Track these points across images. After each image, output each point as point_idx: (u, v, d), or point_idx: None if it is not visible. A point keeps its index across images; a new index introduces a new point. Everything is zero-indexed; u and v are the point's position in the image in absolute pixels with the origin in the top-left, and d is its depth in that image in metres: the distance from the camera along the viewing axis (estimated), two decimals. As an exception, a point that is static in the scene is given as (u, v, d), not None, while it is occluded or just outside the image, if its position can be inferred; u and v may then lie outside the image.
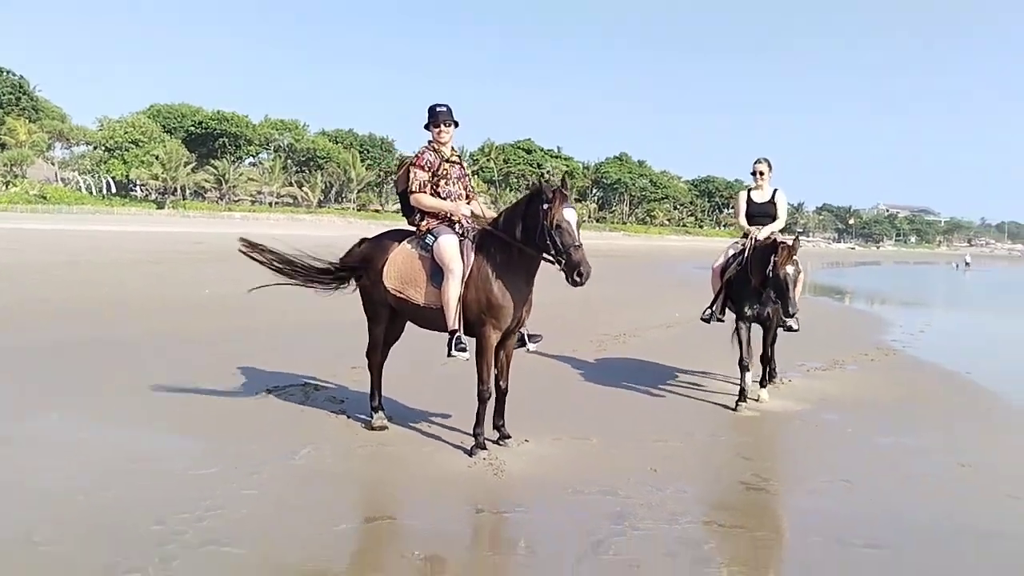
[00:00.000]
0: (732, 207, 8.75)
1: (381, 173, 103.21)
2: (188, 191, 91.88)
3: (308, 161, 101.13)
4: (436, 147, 6.47)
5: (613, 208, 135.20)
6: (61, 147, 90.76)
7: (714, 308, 8.66)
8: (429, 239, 6.28)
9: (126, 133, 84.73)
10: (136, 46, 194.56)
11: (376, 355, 6.87)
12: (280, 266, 6.87)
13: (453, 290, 6.01)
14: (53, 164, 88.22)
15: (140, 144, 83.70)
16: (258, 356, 9.63)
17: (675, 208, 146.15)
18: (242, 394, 7.81)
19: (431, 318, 6.26)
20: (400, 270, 6.34)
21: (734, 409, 8.14)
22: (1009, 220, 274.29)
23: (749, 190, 8.82)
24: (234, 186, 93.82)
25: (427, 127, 6.48)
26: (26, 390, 7.61)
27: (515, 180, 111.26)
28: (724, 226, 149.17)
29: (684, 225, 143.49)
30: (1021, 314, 26.54)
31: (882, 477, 6.10)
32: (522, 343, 6.47)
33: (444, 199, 6.41)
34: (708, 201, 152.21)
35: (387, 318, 6.72)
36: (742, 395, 8.23)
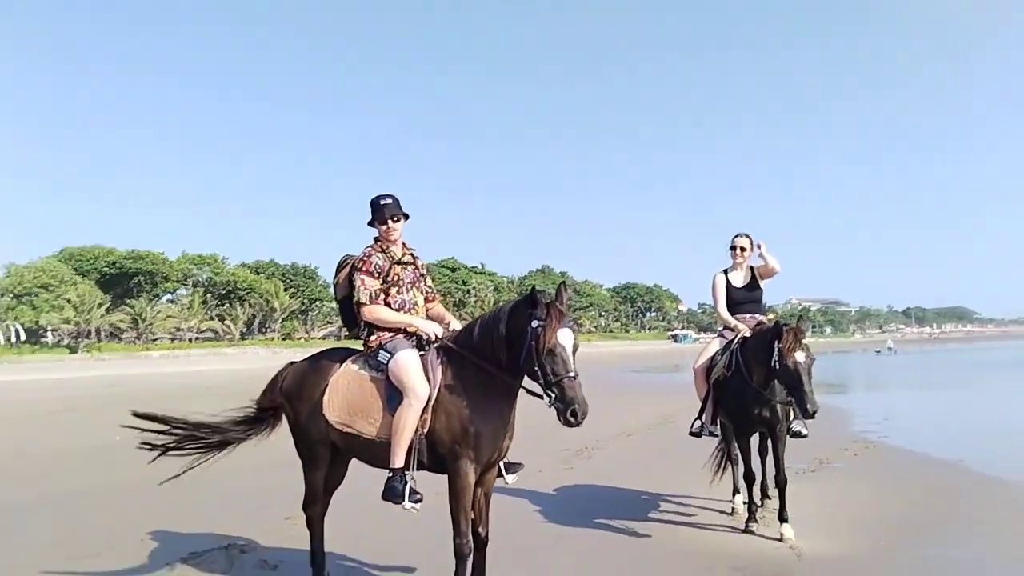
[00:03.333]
0: (711, 294, 7.59)
1: (306, 301, 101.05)
2: (103, 333, 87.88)
3: (229, 294, 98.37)
4: (385, 247, 5.33)
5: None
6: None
7: (703, 419, 7.38)
8: (383, 356, 5.07)
9: (35, 278, 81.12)
10: (46, 186, 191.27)
11: (316, 507, 5.50)
12: (185, 431, 5.78)
13: (411, 419, 4.78)
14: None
15: (51, 288, 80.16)
16: (173, 512, 8.09)
17: (600, 315, 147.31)
18: (151, 568, 6.29)
19: (387, 455, 4.96)
20: (345, 398, 5.10)
21: (744, 529, 7.01)
22: (914, 305, 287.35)
23: (726, 272, 7.68)
24: (151, 324, 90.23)
25: (372, 223, 5.35)
26: None
27: (443, 298, 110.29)
28: (648, 329, 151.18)
29: (610, 331, 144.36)
30: (967, 390, 26.49)
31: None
32: (497, 474, 5.27)
33: (398, 310, 5.25)
34: (631, 306, 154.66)
35: (328, 460, 5.41)
36: (752, 514, 7.11)
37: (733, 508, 7.75)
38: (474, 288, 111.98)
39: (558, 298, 4.68)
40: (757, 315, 7.42)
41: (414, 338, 5.13)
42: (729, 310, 7.48)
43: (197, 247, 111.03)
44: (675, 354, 78.70)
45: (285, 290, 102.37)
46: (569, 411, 4.48)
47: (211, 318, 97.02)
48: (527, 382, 4.84)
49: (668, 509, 8.13)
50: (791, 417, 6.98)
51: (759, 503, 7.56)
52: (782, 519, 6.80)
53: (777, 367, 6.41)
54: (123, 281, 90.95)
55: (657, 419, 16.72)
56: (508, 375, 4.81)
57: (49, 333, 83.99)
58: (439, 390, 4.86)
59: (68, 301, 78.75)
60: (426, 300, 5.57)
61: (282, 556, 6.44)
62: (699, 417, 7.42)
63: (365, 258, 5.27)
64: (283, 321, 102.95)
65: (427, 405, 4.82)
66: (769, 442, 7.23)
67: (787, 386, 6.46)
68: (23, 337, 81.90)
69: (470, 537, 4.86)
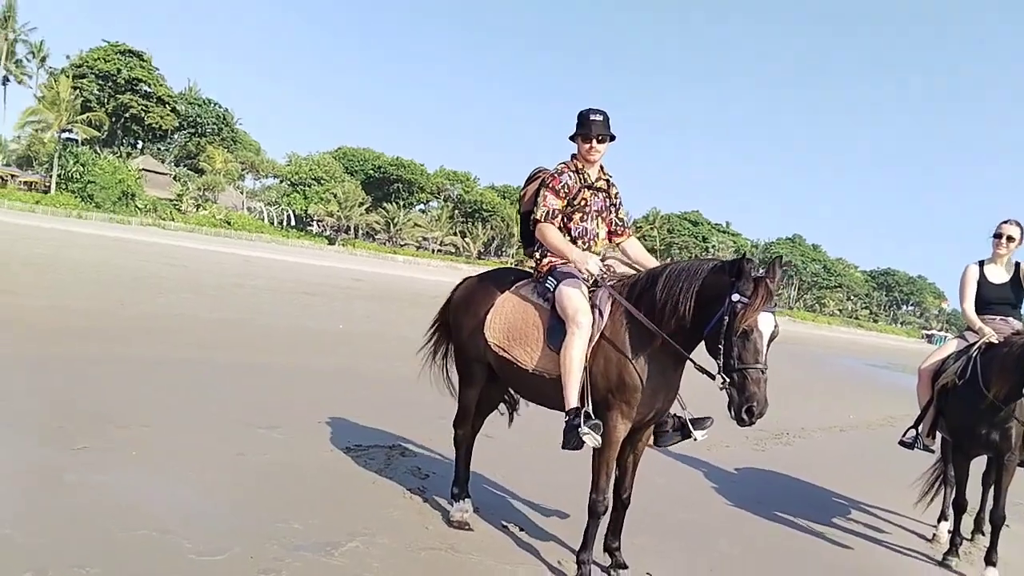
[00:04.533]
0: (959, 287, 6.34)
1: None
2: (360, 231, 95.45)
3: (474, 213, 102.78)
4: (580, 166, 4.86)
5: (780, 292, 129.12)
6: (251, 177, 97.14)
7: (919, 430, 6.32)
8: (549, 283, 4.67)
9: (311, 170, 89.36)
10: (329, 94, 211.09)
11: (466, 426, 5.32)
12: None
13: (577, 351, 4.34)
14: (242, 193, 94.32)
15: (322, 182, 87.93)
16: (364, 402, 8.42)
17: (848, 298, 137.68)
18: (317, 450, 6.50)
19: (543, 390, 4.64)
20: (508, 321, 4.79)
21: (941, 562, 6.02)
22: None
23: (982, 264, 6.39)
24: (400, 230, 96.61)
25: (573, 138, 4.85)
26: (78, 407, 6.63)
27: (678, 252, 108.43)
28: (902, 324, 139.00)
29: (857, 317, 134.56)
30: None
31: None
32: (685, 433, 4.64)
33: (576, 238, 4.84)
34: (886, 295, 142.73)
35: (483, 380, 5.17)
36: (954, 546, 6.08)
37: (935, 535, 6.70)
38: (714, 247, 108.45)
39: (770, 274, 4.00)
40: (1012, 320, 6.16)
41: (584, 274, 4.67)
42: (977, 310, 6.25)
43: (454, 163, 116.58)
44: (926, 355, 71.73)
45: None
46: (745, 408, 3.89)
47: (454, 233, 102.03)
48: (697, 355, 4.28)
49: (858, 519, 7.20)
50: None
51: (968, 537, 6.47)
52: (989, 562, 5.70)
53: None
54: (384, 185, 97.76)
55: (880, 419, 15.11)
56: (680, 341, 4.25)
57: (315, 223, 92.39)
58: (602, 332, 4.40)
59: (335, 196, 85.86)
60: (615, 234, 5.08)
61: (437, 467, 6.41)
62: (915, 426, 6.36)
63: (556, 174, 4.83)
64: (519, 248, 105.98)
65: (591, 338, 4.38)
66: (995, 470, 6.04)
67: None
68: (293, 222, 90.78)
69: (609, 495, 4.45)
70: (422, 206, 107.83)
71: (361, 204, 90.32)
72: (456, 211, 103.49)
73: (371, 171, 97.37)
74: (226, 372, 9.28)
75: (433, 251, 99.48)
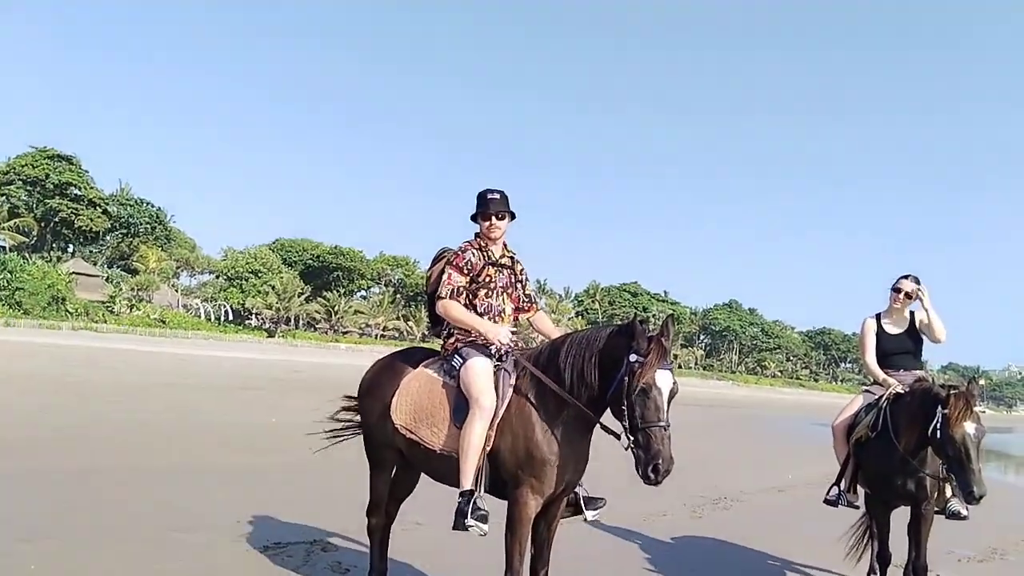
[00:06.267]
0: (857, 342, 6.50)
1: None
2: (300, 321, 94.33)
3: (416, 296, 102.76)
4: (483, 244, 4.96)
5: (721, 356, 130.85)
6: (187, 274, 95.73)
7: (841, 486, 6.37)
8: (456, 361, 4.69)
9: (247, 263, 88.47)
10: (264, 181, 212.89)
11: (379, 515, 5.18)
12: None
13: (477, 433, 4.33)
14: (177, 291, 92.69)
15: (259, 275, 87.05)
16: (285, 498, 8.12)
17: (788, 359, 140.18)
18: (234, 551, 6.24)
19: (451, 469, 4.55)
20: (414, 401, 4.75)
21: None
22: None
23: (879, 317, 6.56)
24: (342, 318, 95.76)
25: (474, 218, 4.98)
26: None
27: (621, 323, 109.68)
28: (841, 381, 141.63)
29: (798, 377, 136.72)
30: None
31: None
32: (576, 510, 4.71)
33: (482, 315, 4.86)
34: (824, 354, 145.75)
35: (393, 466, 5.09)
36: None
37: None
38: (654, 316, 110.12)
39: (663, 332, 4.09)
40: (915, 371, 6.32)
41: (492, 348, 4.68)
42: (879, 361, 6.39)
43: (394, 248, 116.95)
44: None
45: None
46: (651, 466, 3.90)
47: (397, 318, 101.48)
48: (606, 419, 4.29)
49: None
50: (948, 494, 5.85)
51: None
52: None
53: (939, 436, 5.28)
54: (323, 274, 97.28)
55: (820, 478, 15.11)
56: (588, 407, 4.28)
57: (253, 316, 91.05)
58: (507, 406, 4.38)
59: (273, 288, 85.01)
60: (522, 310, 5.13)
61: (359, 561, 6.18)
62: (836, 483, 6.42)
63: (460, 252, 4.92)
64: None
65: (493, 422, 4.36)
66: (914, 520, 6.07)
67: (949, 461, 5.30)
68: (231, 317, 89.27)
69: (524, 574, 4.34)
70: (363, 292, 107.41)
71: (300, 294, 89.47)
72: (398, 295, 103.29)
73: (310, 261, 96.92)
74: (146, 477, 8.92)
75: (376, 336, 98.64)
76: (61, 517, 6.78)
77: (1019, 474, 23.70)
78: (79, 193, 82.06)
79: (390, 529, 5.30)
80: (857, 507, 6.50)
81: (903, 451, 5.68)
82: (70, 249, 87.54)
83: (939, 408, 5.33)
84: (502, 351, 4.60)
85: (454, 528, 4.38)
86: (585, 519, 4.73)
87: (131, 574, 5.42)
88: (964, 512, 5.87)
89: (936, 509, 5.90)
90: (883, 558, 6.13)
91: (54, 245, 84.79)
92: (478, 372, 4.48)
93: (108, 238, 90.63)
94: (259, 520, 7.20)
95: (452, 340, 4.83)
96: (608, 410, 4.27)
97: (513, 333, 4.80)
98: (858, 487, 6.40)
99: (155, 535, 6.41)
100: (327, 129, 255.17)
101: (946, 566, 7.76)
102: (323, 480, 9.34)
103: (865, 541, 6.95)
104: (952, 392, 5.34)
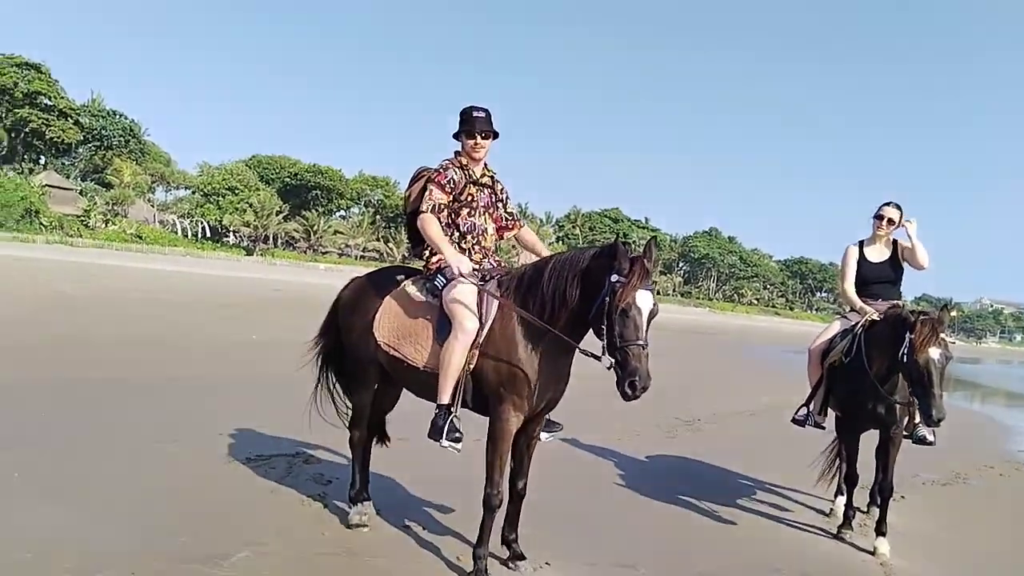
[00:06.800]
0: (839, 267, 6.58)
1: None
2: (279, 240, 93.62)
3: (396, 217, 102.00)
4: (464, 163, 4.90)
5: (699, 283, 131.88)
6: (162, 190, 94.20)
7: (811, 407, 6.53)
8: (439, 281, 4.70)
9: (224, 180, 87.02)
10: (244, 95, 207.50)
11: (361, 428, 5.28)
12: None
13: (457, 353, 4.39)
14: (153, 206, 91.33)
15: (236, 191, 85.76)
16: (268, 412, 8.20)
17: (764, 288, 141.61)
18: (216, 463, 6.34)
19: (433, 385, 4.59)
20: (396, 320, 4.78)
21: (836, 535, 6.24)
22: None
23: (862, 244, 6.60)
24: (321, 237, 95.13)
25: (457, 136, 4.90)
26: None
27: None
28: (816, 310, 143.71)
29: (773, 306, 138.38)
30: None
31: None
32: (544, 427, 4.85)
33: (464, 234, 4.87)
34: (800, 283, 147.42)
35: (376, 381, 5.14)
36: (847, 520, 6.31)
37: (832, 510, 6.93)
38: (634, 242, 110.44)
39: (646, 254, 4.12)
40: (892, 299, 6.40)
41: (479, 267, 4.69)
42: (858, 289, 6.46)
43: (375, 168, 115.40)
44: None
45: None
46: (628, 382, 3.96)
47: (377, 239, 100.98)
48: (585, 343, 4.37)
49: (762, 499, 7.39)
50: (916, 420, 6.02)
51: (863, 509, 6.74)
52: (879, 532, 5.93)
53: (905, 360, 5.39)
54: (302, 193, 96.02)
55: (792, 403, 15.54)
56: (571, 327, 4.32)
57: (231, 233, 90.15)
58: (491, 327, 4.42)
59: (250, 205, 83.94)
60: (506, 228, 5.12)
61: (339, 473, 6.31)
62: (806, 404, 6.58)
63: (441, 170, 4.85)
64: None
65: (476, 341, 4.40)
66: (882, 443, 6.25)
67: (913, 385, 5.43)
68: (208, 234, 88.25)
69: (502, 489, 4.46)
70: (342, 212, 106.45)
71: (279, 213, 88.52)
72: (378, 216, 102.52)
73: (287, 179, 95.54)
74: (130, 390, 8.98)
75: (356, 257, 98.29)
76: (47, 428, 6.83)
77: (985, 403, 24.33)
78: (49, 103, 79.84)
79: (371, 442, 5.39)
80: (823, 428, 6.65)
81: (874, 376, 5.81)
82: (42, 161, 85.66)
83: (908, 333, 5.44)
84: (484, 275, 4.63)
85: (428, 437, 4.51)
86: (540, 440, 4.84)
87: (116, 485, 5.50)
88: (931, 438, 6.06)
89: (904, 434, 6.09)
90: (851, 479, 6.34)
91: (26, 156, 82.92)
92: (461, 293, 4.50)
93: (81, 151, 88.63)
94: (242, 433, 7.29)
95: (436, 259, 4.80)
96: (590, 331, 4.32)
97: (496, 260, 4.86)
98: (829, 410, 6.55)
99: (139, 446, 6.50)
100: (300, 41, 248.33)
101: (911, 489, 8.04)
102: (305, 395, 9.42)
103: (836, 465, 7.16)
104: (920, 318, 5.44)
